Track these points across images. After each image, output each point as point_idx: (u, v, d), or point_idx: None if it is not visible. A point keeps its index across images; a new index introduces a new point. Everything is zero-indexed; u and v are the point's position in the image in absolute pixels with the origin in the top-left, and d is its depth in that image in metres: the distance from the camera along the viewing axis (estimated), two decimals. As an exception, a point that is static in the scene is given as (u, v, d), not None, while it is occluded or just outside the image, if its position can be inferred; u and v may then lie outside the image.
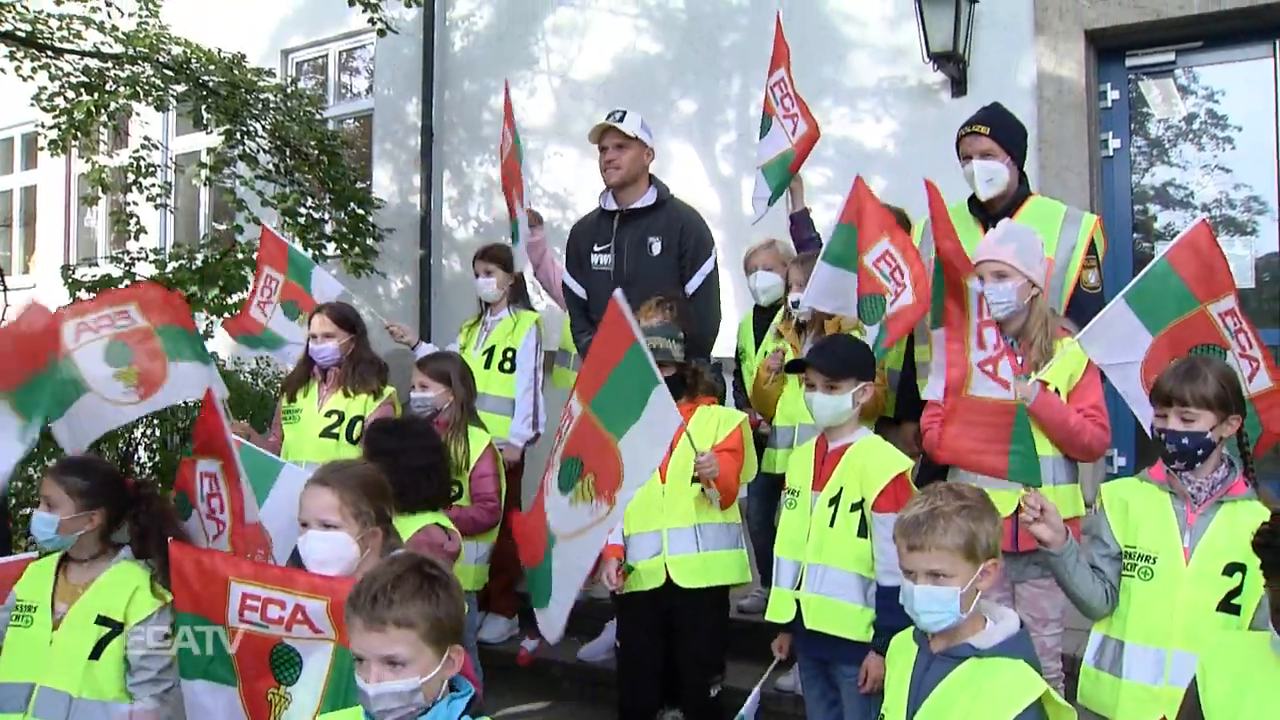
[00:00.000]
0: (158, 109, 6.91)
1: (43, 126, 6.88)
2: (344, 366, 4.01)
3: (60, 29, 6.38)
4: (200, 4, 7.56)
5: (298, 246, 5.61)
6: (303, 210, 7.04)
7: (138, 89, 6.46)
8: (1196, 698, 1.90)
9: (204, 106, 6.64)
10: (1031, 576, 3.00)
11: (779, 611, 3.04)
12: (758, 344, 4.25)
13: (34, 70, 6.52)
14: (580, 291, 4.27)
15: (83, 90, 6.39)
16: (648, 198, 4.14)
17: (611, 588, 3.40)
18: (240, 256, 6.29)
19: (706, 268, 4.08)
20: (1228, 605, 2.28)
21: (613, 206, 4.17)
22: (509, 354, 4.65)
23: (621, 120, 4.07)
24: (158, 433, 6.14)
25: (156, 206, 7.39)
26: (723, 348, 4.25)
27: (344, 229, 7.10)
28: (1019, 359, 2.99)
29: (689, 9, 6.60)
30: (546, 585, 2.78)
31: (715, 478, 3.20)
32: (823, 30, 6.01)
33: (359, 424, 3.91)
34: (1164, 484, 2.44)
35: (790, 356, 3.66)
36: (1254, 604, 2.24)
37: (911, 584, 2.10)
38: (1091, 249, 3.37)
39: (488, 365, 4.61)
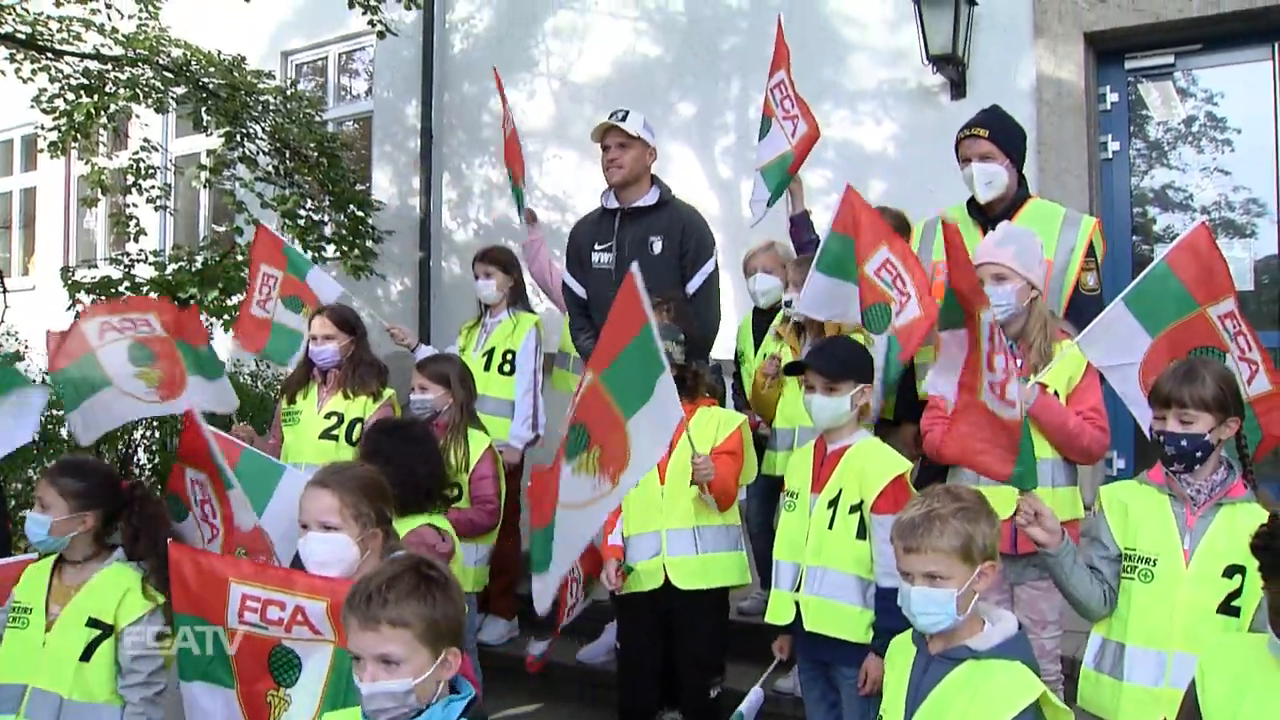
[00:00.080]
0: (157, 111, 6.91)
1: (42, 128, 6.89)
2: (344, 368, 4.01)
3: (60, 31, 6.39)
4: (200, 6, 7.55)
5: (296, 248, 5.61)
6: (302, 212, 7.04)
7: (138, 91, 6.46)
8: (1195, 699, 1.90)
9: (204, 108, 6.64)
10: (1030, 579, 3.00)
11: (778, 614, 3.04)
12: (757, 346, 4.26)
13: (34, 72, 6.53)
14: (580, 290, 4.27)
15: (82, 92, 6.39)
16: (650, 197, 4.14)
17: (611, 588, 3.40)
18: (240, 258, 6.29)
19: (707, 268, 4.09)
20: (1228, 607, 2.29)
21: (614, 205, 4.18)
22: (509, 356, 4.65)
23: (624, 120, 4.07)
24: (157, 434, 6.14)
25: (156, 208, 7.39)
26: (722, 350, 4.26)
27: (343, 231, 7.10)
28: (1018, 361, 3.00)
29: (688, 12, 6.61)
30: (547, 550, 2.74)
31: (710, 481, 3.20)
32: (822, 33, 6.02)
33: (359, 426, 3.90)
34: (1163, 486, 2.44)
35: (788, 359, 3.66)
36: (1254, 606, 2.24)
37: (909, 586, 2.10)
38: (1090, 251, 3.37)
39: (487, 367, 4.62)
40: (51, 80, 6.50)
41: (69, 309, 6.32)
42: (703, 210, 4.35)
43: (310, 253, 6.52)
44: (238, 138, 6.69)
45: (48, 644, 2.69)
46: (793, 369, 3.19)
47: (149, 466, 6.17)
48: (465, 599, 2.30)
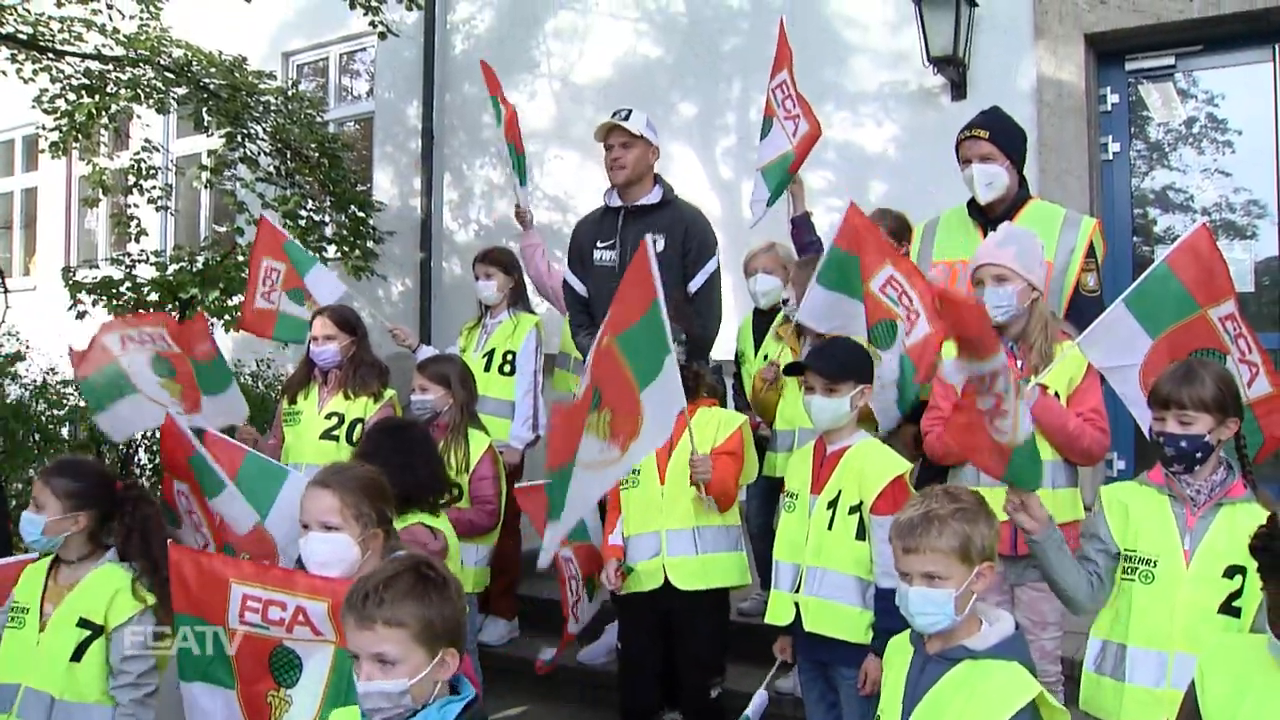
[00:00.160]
0: (159, 111, 6.92)
1: (43, 129, 6.90)
2: (344, 369, 4.01)
3: (61, 31, 6.40)
4: (201, 7, 7.56)
5: (298, 244, 5.61)
6: (303, 213, 7.06)
7: (139, 91, 6.47)
8: (1195, 700, 1.90)
9: (205, 109, 6.65)
10: (1031, 580, 2.99)
11: (778, 614, 3.04)
12: (757, 347, 4.26)
13: (35, 72, 6.54)
14: (581, 288, 4.27)
15: (84, 92, 6.40)
16: (652, 196, 4.15)
17: (611, 588, 3.40)
18: (241, 259, 6.29)
19: (709, 267, 4.09)
20: (1228, 608, 2.29)
21: (617, 203, 4.18)
22: (509, 357, 4.65)
23: (627, 119, 4.08)
24: (158, 434, 6.13)
25: (157, 209, 7.40)
26: (722, 350, 4.26)
27: (344, 232, 7.11)
28: (1019, 363, 3.00)
29: (689, 13, 6.61)
30: (561, 498, 2.71)
31: (708, 482, 3.20)
32: (823, 34, 6.03)
33: (359, 426, 3.90)
34: (1163, 487, 2.44)
35: (788, 360, 3.66)
36: (1254, 606, 2.24)
37: (907, 586, 2.10)
38: (1091, 252, 3.37)
39: (488, 368, 4.61)
40: (53, 80, 6.51)
41: (70, 309, 6.33)
42: (703, 211, 4.35)
43: (311, 253, 6.52)
44: (239, 138, 6.70)
45: (40, 643, 2.69)
46: (792, 370, 3.19)
47: (149, 466, 6.18)
48: (466, 600, 2.30)
